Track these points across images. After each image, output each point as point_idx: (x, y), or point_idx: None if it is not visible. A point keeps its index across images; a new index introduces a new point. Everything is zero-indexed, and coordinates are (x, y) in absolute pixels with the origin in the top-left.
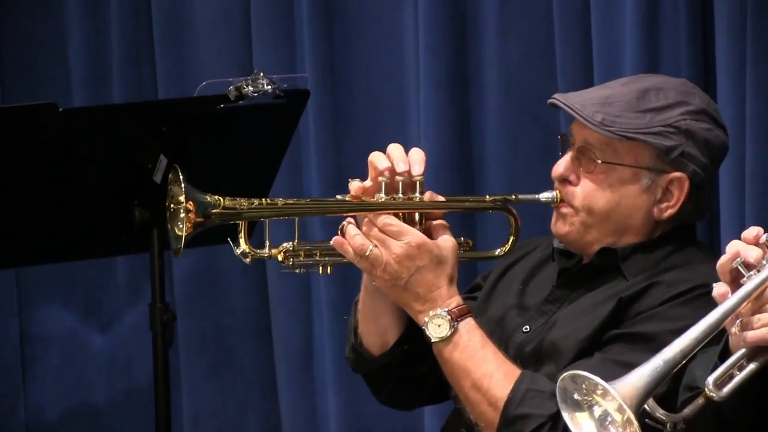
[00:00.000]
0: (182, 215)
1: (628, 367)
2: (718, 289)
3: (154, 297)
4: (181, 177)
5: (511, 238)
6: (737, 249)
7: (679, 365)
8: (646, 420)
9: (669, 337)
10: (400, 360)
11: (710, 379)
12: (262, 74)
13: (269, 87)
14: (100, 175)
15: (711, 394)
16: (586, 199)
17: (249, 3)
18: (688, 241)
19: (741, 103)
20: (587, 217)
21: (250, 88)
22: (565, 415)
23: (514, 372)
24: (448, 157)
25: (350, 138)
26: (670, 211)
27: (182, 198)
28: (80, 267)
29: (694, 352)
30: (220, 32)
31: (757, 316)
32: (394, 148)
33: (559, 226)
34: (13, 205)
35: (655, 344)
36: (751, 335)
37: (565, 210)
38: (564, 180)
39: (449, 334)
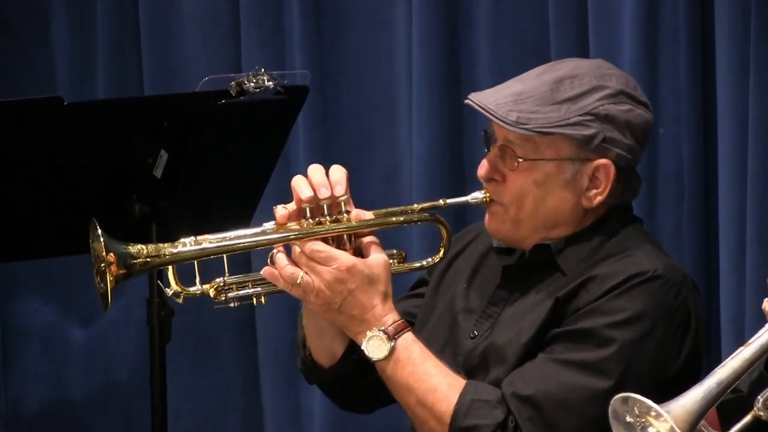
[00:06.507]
0: (104, 269)
1: (572, 365)
2: None
3: (152, 292)
4: (99, 231)
5: (442, 250)
6: None
7: (732, 386)
8: None
9: (609, 330)
10: (350, 370)
11: (760, 398)
12: (263, 70)
13: (270, 83)
14: (101, 169)
15: (759, 413)
16: (514, 195)
17: None
18: (624, 223)
19: (744, 104)
20: (518, 213)
21: (252, 84)
22: None
23: (458, 383)
24: (440, 155)
25: (339, 135)
26: (599, 198)
27: (103, 252)
28: (60, 260)
29: (748, 372)
30: (208, 27)
31: None
32: (315, 171)
33: (492, 224)
34: (12, 199)
35: (596, 339)
36: None
37: (495, 208)
38: (490, 179)
39: (388, 353)
